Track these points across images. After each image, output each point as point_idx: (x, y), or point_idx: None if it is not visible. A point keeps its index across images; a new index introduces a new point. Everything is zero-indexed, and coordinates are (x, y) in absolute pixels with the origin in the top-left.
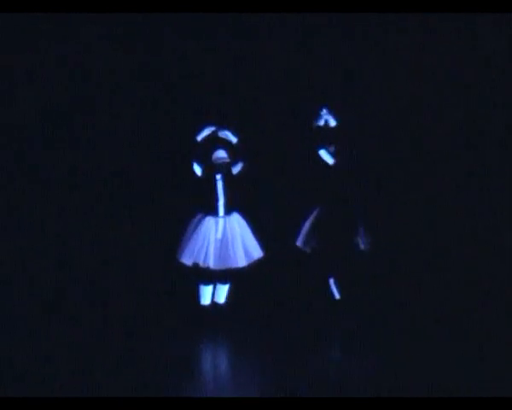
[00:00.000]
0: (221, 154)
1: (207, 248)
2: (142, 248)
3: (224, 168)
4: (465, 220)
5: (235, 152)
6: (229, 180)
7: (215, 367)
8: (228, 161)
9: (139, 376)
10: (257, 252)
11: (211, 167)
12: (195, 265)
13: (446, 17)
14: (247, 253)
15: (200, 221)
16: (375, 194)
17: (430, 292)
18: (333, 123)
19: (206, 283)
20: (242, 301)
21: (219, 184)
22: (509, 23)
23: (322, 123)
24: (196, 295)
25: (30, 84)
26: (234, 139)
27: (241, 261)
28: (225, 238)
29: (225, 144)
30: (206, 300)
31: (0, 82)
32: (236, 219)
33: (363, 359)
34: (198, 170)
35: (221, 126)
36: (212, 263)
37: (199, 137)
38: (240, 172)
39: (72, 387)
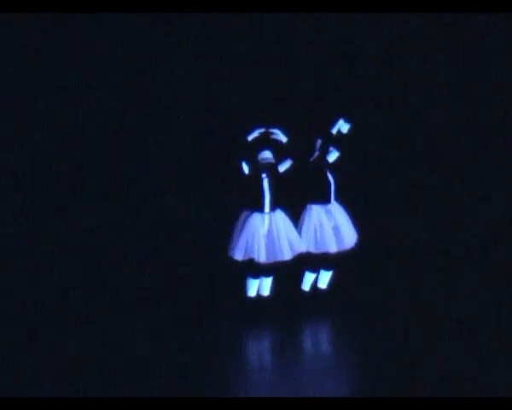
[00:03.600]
0: (267, 154)
1: (258, 243)
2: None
3: (270, 168)
4: (464, 220)
5: (283, 151)
6: (274, 179)
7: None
8: (273, 161)
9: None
10: (300, 246)
11: (257, 167)
12: (248, 259)
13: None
14: (291, 246)
15: (247, 218)
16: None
17: (429, 291)
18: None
19: (255, 276)
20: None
21: (265, 183)
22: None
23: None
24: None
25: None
26: (284, 139)
27: (287, 255)
28: (271, 233)
29: (272, 145)
30: (252, 292)
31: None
32: (280, 215)
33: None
34: (246, 169)
35: (271, 127)
36: (263, 257)
37: (249, 137)
38: (286, 171)
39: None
